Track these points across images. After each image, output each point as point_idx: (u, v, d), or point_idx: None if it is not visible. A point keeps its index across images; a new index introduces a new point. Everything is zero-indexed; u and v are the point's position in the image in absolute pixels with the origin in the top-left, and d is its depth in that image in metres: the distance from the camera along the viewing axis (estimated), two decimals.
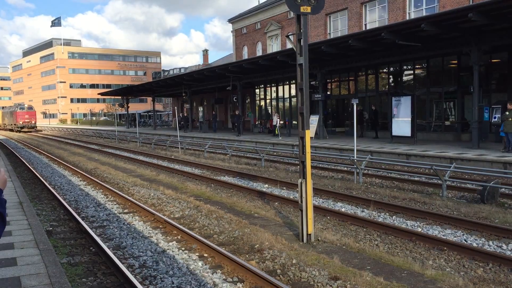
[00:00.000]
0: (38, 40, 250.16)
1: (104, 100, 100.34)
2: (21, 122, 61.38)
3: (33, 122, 63.14)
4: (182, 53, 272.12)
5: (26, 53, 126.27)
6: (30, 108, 65.40)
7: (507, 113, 17.09)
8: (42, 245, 6.84)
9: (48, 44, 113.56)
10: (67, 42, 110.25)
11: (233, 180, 15.32)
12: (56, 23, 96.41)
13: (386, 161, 15.82)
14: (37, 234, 7.46)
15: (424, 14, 26.23)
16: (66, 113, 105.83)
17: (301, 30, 7.97)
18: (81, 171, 17.47)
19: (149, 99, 77.57)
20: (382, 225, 8.92)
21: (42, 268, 5.81)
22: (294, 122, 32.97)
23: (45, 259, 6.16)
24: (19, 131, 60.61)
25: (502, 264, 6.83)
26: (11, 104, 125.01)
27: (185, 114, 45.18)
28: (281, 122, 31.89)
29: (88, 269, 6.91)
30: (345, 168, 16.59)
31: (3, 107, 75.47)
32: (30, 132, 60.83)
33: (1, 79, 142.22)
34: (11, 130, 65.14)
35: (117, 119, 59.78)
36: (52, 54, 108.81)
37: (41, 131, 64.55)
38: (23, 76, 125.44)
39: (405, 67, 26.34)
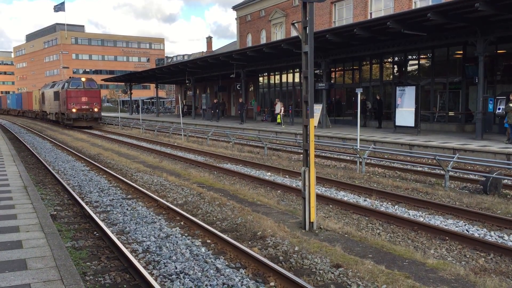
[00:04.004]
0: (38, 25, 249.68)
1: (107, 86, 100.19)
2: (74, 110, 35.31)
3: (95, 110, 36.55)
4: (183, 40, 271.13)
5: (30, 37, 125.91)
6: (91, 84, 37.58)
7: (511, 104, 17.06)
8: (47, 229, 6.90)
9: (51, 29, 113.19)
10: (71, 28, 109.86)
11: (236, 167, 15.36)
12: (59, 8, 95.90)
13: (389, 151, 15.82)
14: (42, 218, 7.52)
15: (430, 3, 26.02)
16: None
17: (307, 18, 7.92)
18: (84, 157, 17.54)
19: (152, 85, 77.63)
20: (384, 214, 8.97)
21: (47, 251, 5.87)
22: (297, 110, 32.91)
23: (50, 243, 6.22)
24: (71, 126, 35.79)
25: (504, 254, 6.88)
26: (14, 89, 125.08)
27: (215, 101, 39.43)
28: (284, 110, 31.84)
29: (92, 253, 6.98)
30: (348, 158, 16.61)
31: (50, 84, 45.42)
32: (91, 127, 36.47)
33: (3, 64, 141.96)
34: (56, 121, 40.25)
35: (120, 105, 59.77)
36: (56, 39, 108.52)
37: (101, 122, 40.06)
38: (27, 61, 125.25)
39: (409, 56, 26.19)
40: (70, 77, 38.58)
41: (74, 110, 35.47)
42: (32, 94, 53.68)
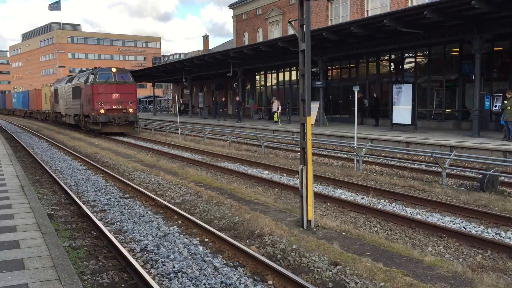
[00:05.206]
0: (33, 24, 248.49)
1: None
2: (103, 111, 26.87)
3: (131, 111, 27.99)
4: (179, 38, 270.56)
5: (25, 36, 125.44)
6: (124, 76, 28.60)
7: (506, 101, 17.13)
8: (44, 229, 6.88)
9: (47, 28, 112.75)
10: (67, 27, 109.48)
11: (234, 166, 15.35)
12: (55, 6, 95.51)
13: (386, 149, 15.83)
14: (39, 218, 7.50)
15: (426, 1, 26.03)
16: None
17: (304, 16, 7.91)
18: (81, 156, 17.50)
19: (149, 84, 77.30)
20: (382, 212, 8.98)
21: (45, 251, 5.85)
22: (294, 108, 32.90)
23: (48, 242, 6.20)
24: (99, 133, 27.80)
25: (501, 251, 6.89)
26: (10, 89, 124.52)
27: (223, 100, 37.98)
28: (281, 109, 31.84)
29: (90, 252, 6.96)
30: (345, 155, 16.61)
31: (65, 78, 36.94)
32: (123, 134, 28.44)
33: None
34: (75, 126, 32.41)
35: None
36: (52, 38, 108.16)
37: (137, 127, 31.07)
38: (23, 60, 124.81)
39: (406, 54, 26.21)
40: (95, 67, 29.94)
41: (102, 111, 26.78)
42: (42, 92, 45.53)
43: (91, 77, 27.75)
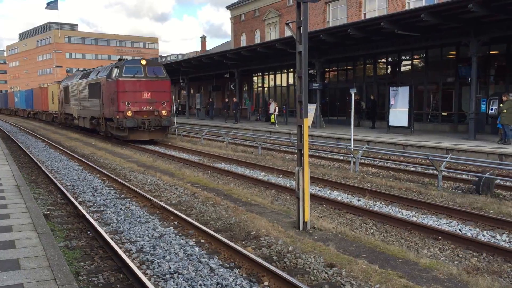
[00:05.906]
0: (30, 24, 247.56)
1: None
2: (130, 114, 21.67)
3: (164, 113, 22.61)
4: (176, 39, 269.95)
5: (23, 36, 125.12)
6: (156, 70, 23.27)
7: (501, 105, 17.21)
8: (40, 229, 6.87)
9: (45, 27, 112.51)
10: (64, 27, 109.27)
11: (230, 167, 15.35)
12: (52, 5, 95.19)
13: (382, 151, 15.87)
14: (35, 218, 7.48)
15: (423, 4, 26.14)
16: None
17: (302, 18, 7.93)
18: (78, 156, 17.46)
19: None
20: (378, 214, 9.00)
21: (40, 251, 5.84)
22: (291, 110, 32.93)
23: (43, 242, 6.19)
24: (125, 140, 22.86)
25: (496, 254, 6.92)
26: (7, 88, 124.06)
27: (226, 100, 36.55)
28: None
29: (86, 253, 6.95)
30: (342, 157, 16.65)
31: (78, 74, 31.53)
32: (154, 142, 23.47)
33: None
34: (92, 131, 27.39)
35: None
36: (49, 38, 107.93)
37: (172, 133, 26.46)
38: (20, 60, 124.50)
39: (403, 57, 26.28)
40: (120, 59, 24.63)
41: (129, 113, 21.75)
42: (48, 90, 40.52)
43: (115, 71, 22.57)
